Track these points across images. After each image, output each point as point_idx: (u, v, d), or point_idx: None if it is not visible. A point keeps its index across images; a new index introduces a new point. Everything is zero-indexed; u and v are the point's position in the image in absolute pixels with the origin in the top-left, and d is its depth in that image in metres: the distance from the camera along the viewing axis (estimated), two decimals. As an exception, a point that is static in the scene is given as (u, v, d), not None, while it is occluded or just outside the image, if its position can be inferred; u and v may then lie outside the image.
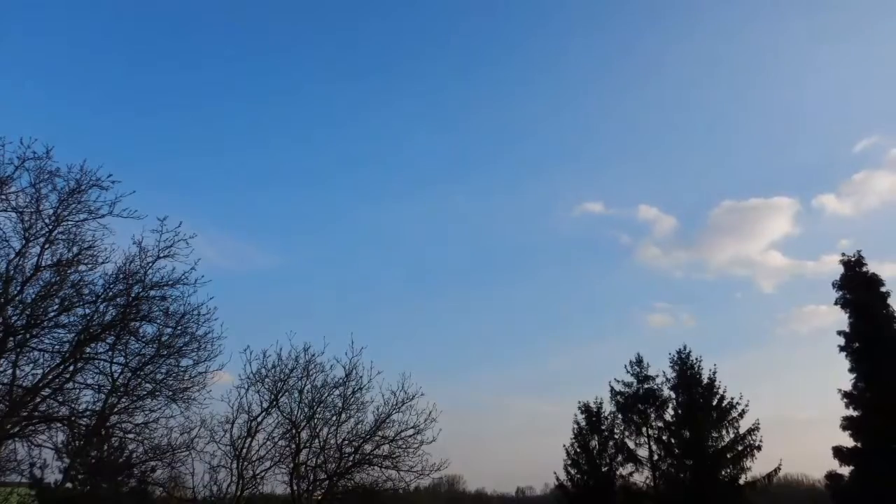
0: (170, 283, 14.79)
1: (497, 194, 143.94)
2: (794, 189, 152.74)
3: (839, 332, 31.00)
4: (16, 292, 13.61)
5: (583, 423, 35.23)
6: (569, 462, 34.74)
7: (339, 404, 19.10)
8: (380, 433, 18.91)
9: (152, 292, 14.79)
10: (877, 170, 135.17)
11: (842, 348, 30.63)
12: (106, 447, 18.07)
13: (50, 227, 13.77)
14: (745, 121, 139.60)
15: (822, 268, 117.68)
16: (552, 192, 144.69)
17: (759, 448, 31.93)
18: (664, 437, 33.71)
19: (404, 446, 18.68)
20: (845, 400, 29.78)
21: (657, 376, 35.11)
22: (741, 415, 32.56)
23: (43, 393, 13.93)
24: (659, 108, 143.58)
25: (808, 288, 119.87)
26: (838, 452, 29.34)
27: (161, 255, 14.60)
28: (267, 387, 18.68)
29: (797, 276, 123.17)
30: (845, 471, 29.37)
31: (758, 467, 32.20)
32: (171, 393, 15.22)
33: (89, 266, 14.24)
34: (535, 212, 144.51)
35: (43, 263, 13.85)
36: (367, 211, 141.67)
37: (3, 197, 13.28)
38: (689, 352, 34.43)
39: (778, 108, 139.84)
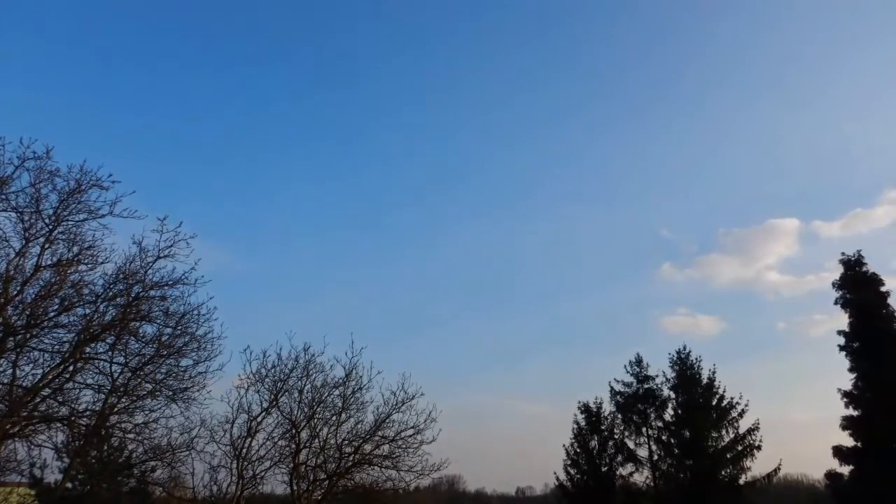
0: (170, 283, 14.82)
1: (508, 195, 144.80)
2: (796, 213, 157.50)
3: (839, 332, 31.00)
4: (16, 292, 13.59)
5: (583, 423, 35.19)
6: (569, 462, 34.69)
7: (339, 404, 19.16)
8: (380, 433, 18.97)
9: (152, 292, 14.81)
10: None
11: (842, 348, 30.59)
12: (106, 447, 18.09)
13: (50, 226, 13.77)
14: (752, 146, 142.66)
15: (822, 283, 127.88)
16: (560, 203, 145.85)
17: (758, 448, 31.96)
18: (664, 437, 33.67)
19: (404, 446, 18.74)
20: (845, 399, 29.75)
21: (657, 376, 35.15)
22: (741, 415, 32.58)
23: (43, 393, 13.90)
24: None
25: (807, 297, 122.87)
26: (838, 452, 29.31)
27: (161, 255, 14.63)
28: (267, 387, 18.73)
29: (797, 289, 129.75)
30: (845, 470, 29.38)
31: (758, 467, 32.25)
32: (170, 393, 15.22)
33: (89, 266, 14.25)
34: (536, 221, 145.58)
35: (43, 263, 13.84)
36: (370, 216, 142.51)
37: (4, 197, 13.27)
38: (689, 352, 34.56)
39: (779, 135, 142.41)
